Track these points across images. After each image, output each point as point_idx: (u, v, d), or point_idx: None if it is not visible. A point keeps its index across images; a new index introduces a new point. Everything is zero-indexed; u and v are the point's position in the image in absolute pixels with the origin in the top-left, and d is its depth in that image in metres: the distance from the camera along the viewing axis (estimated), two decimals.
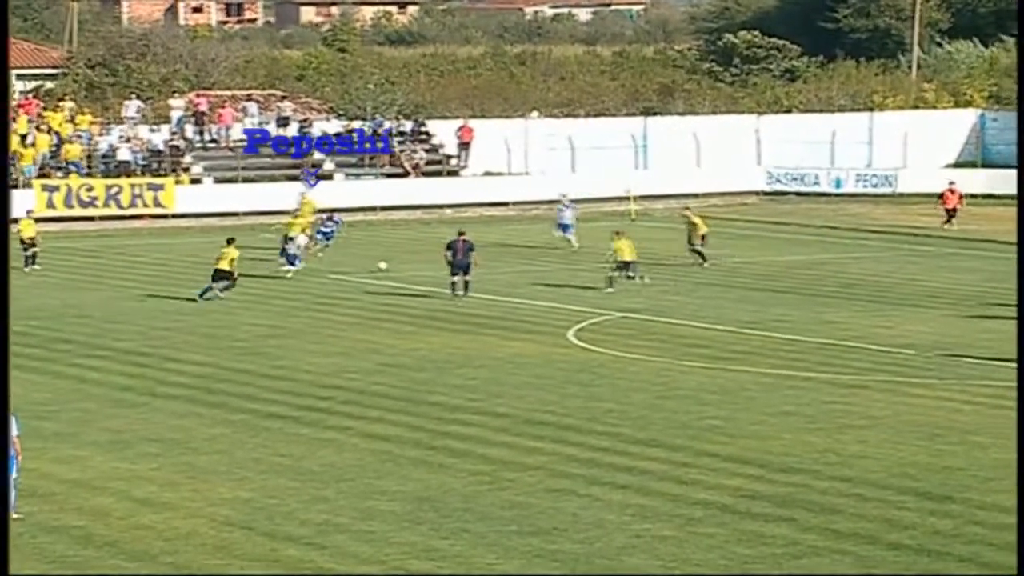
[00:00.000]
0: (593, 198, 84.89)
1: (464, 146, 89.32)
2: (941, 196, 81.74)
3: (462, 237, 57.08)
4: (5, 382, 13.16)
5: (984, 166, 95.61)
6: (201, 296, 54.59)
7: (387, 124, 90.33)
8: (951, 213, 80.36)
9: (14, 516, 30.27)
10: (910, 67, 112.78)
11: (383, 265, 59.84)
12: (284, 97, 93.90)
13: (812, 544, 29.81)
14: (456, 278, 56.42)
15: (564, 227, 70.82)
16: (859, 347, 49.13)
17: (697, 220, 66.11)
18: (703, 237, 65.66)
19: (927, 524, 31.30)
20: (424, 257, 63.71)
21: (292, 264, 60.23)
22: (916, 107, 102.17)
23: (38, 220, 76.60)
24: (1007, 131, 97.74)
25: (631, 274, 58.33)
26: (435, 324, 52.60)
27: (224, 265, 55.30)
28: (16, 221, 61.36)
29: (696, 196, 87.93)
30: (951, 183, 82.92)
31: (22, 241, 61.75)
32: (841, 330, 51.54)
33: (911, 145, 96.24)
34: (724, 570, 28.29)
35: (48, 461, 35.26)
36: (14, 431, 30.11)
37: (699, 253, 65.20)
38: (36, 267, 62.49)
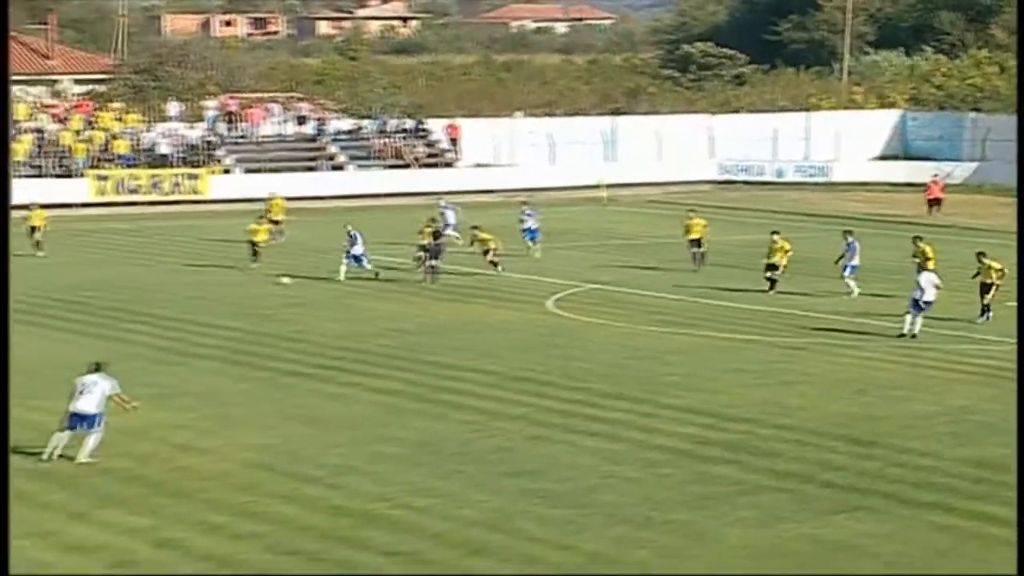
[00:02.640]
0: (569, 186, 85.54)
1: (453, 141, 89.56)
2: (926, 187, 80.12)
3: (437, 224, 57.34)
4: (5, 381, 12.48)
5: (905, 158, 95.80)
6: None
7: (392, 122, 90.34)
8: (933, 203, 78.63)
9: (85, 460, 30.36)
10: (842, 73, 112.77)
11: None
12: (303, 99, 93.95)
13: (756, 483, 29.91)
14: (431, 261, 55.21)
15: (531, 233, 62.02)
16: (798, 314, 49.20)
17: (694, 223, 59.35)
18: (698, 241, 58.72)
19: (855, 466, 31.39)
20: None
21: (361, 264, 55.72)
22: (847, 108, 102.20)
23: (89, 205, 76.99)
24: (924, 128, 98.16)
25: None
26: (433, 295, 52.63)
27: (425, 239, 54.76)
28: (28, 208, 61.06)
29: (658, 185, 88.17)
30: (935, 176, 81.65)
31: (32, 228, 60.77)
32: (782, 300, 51.61)
33: (842, 140, 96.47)
34: (682, 505, 28.37)
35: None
36: (115, 390, 30.97)
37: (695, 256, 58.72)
38: (41, 253, 60.33)
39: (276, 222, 62.72)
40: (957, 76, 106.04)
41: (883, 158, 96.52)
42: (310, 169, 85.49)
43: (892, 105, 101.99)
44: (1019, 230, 40.35)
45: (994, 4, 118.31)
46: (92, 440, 30.69)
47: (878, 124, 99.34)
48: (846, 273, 53.19)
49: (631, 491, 29.29)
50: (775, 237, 53.83)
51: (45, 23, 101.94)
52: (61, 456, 30.68)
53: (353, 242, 55.10)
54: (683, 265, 58.43)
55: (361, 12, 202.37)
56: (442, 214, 64.08)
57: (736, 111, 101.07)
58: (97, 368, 31.34)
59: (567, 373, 40.02)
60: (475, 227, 58.22)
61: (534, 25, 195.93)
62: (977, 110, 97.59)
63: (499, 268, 55.74)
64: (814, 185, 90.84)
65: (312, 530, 26.91)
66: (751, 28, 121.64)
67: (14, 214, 58.25)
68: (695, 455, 31.95)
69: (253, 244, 56.98)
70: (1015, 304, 45.39)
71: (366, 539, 26.43)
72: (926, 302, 45.44)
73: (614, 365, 41.33)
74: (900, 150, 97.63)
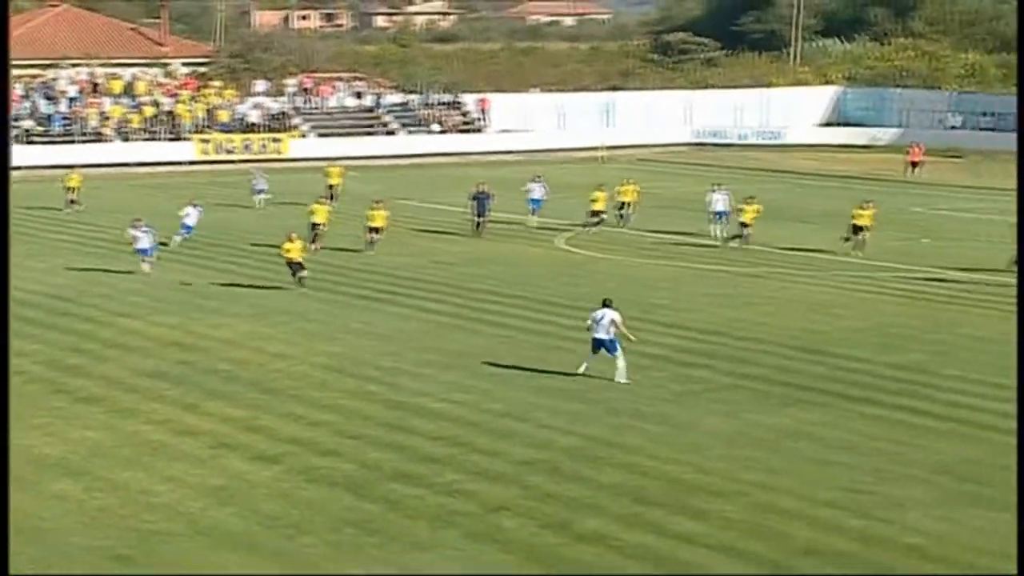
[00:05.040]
0: (575, 147, 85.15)
1: (482, 112, 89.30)
2: (908, 150, 77.52)
3: (482, 187, 52.74)
4: (5, 380, 12.04)
5: (842, 125, 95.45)
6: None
7: (434, 97, 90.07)
8: (915, 164, 75.94)
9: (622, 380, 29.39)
10: (792, 57, 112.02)
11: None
12: (363, 78, 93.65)
13: (725, 383, 29.90)
14: (479, 219, 52.11)
15: (535, 202, 55.06)
16: (761, 250, 49.05)
17: (747, 208, 50.52)
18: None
19: (804, 369, 31.38)
20: (462, 189, 63.42)
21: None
22: (796, 85, 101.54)
23: (195, 163, 76.82)
24: (858, 101, 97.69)
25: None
26: (470, 234, 52.39)
27: (377, 223, 47.59)
28: (71, 168, 60.33)
29: (646, 146, 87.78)
30: (915, 142, 78.96)
31: (68, 189, 57.86)
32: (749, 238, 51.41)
33: (793, 111, 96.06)
34: (666, 400, 28.36)
35: (206, 326, 35.36)
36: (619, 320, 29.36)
37: (737, 236, 50.25)
38: (78, 207, 57.38)
39: (331, 186, 60.36)
40: (884, 59, 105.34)
41: (825, 125, 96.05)
42: (369, 134, 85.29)
43: (832, 82, 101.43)
44: (1019, 228, 38.50)
45: (915, 0, 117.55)
46: (619, 363, 29.56)
47: (821, 98, 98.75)
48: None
49: (626, 389, 29.28)
50: (749, 201, 50.89)
51: (159, 17, 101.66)
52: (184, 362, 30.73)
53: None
54: (667, 212, 58.21)
55: (410, 8, 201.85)
56: (530, 189, 55.60)
57: (708, 88, 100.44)
58: (606, 304, 29.94)
59: (575, 297, 39.94)
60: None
61: (547, 19, 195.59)
62: (900, 86, 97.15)
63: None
64: (770, 147, 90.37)
65: (371, 419, 26.95)
66: (720, 21, 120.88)
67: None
68: (676, 361, 31.96)
69: (314, 225, 47.05)
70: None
71: (414, 426, 26.47)
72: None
73: (614, 291, 41.04)
74: (838, 118, 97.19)
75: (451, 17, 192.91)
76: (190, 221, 48.11)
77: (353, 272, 44.04)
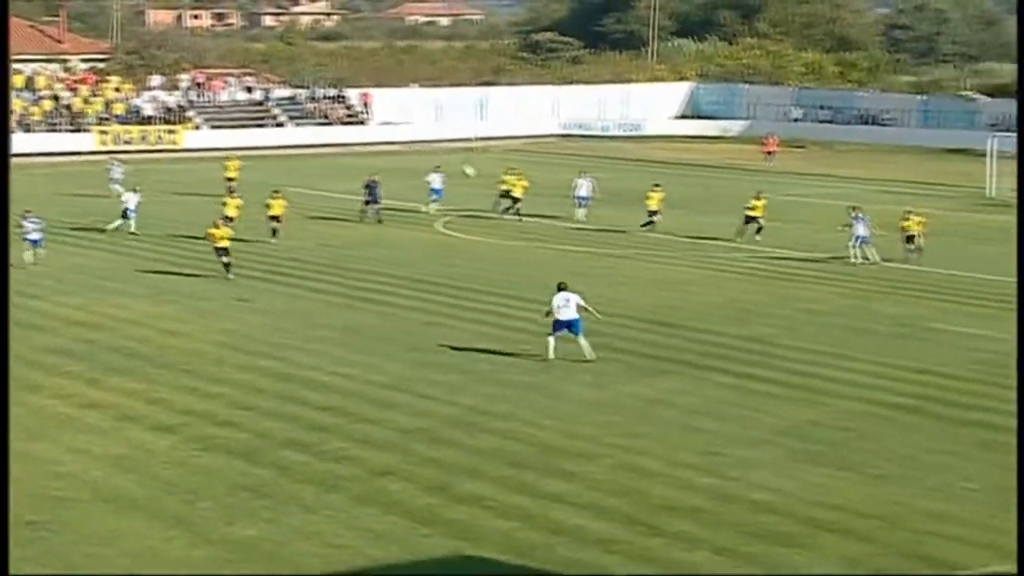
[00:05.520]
0: (451, 138, 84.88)
1: (365, 106, 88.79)
2: (764, 142, 78.54)
3: (374, 177, 52.02)
4: (5, 381, 11.84)
5: (695, 118, 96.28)
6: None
7: (319, 91, 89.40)
8: (770, 154, 76.85)
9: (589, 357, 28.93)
10: (649, 56, 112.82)
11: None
12: (253, 74, 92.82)
13: (596, 352, 30.10)
14: (372, 206, 50.98)
15: (436, 192, 53.90)
16: (622, 233, 49.44)
17: (653, 195, 49.30)
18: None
19: (664, 342, 31.70)
20: (347, 178, 63.15)
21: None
22: (653, 81, 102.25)
23: (95, 153, 75.54)
24: (710, 96, 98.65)
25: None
26: (356, 219, 52.10)
27: (276, 211, 45.92)
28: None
29: (517, 137, 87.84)
30: (771, 134, 79.99)
31: None
32: (608, 221, 51.74)
33: (650, 105, 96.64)
34: (537, 370, 28.48)
35: (108, 306, 34.91)
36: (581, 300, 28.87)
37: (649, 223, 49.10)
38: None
39: (231, 179, 59.42)
40: (733, 58, 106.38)
41: (680, 118, 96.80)
42: (259, 126, 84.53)
43: (686, 79, 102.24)
44: (1019, 229, 37.76)
45: (760, 4, 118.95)
46: (583, 341, 29.06)
47: (676, 93, 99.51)
48: (852, 243, 43.29)
49: (500, 360, 29.41)
50: (655, 188, 50.00)
51: (57, 16, 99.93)
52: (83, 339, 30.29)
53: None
54: (537, 199, 58.32)
55: (296, 8, 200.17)
56: (576, 186, 52.57)
57: (574, 83, 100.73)
58: (561, 288, 29.58)
59: (451, 276, 40.02)
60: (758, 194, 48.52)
61: (424, 19, 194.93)
62: (747, 82, 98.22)
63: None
64: (630, 138, 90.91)
65: (263, 391, 26.82)
66: (584, 22, 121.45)
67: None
68: (545, 335, 32.00)
69: (272, 219, 45.74)
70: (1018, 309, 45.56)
71: (303, 397, 26.38)
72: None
73: (487, 270, 41.36)
74: (692, 112, 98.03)
75: (335, 17, 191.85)
76: (131, 204, 47.64)
77: (246, 254, 43.62)
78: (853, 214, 43.80)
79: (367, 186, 51.72)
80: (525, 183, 53.72)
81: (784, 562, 18.36)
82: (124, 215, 47.33)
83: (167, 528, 19.32)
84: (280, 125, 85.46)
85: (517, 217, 51.59)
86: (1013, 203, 58.29)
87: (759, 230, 47.06)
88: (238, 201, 46.87)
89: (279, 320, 33.58)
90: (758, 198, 47.89)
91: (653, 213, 49.05)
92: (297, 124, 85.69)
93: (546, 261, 43.04)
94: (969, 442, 23.95)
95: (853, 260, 42.84)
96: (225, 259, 38.77)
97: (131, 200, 47.88)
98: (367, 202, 51.37)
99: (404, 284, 38.76)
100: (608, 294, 37.47)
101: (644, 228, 48.82)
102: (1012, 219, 54.19)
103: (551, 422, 24.86)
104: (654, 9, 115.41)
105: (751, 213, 47.51)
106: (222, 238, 38.82)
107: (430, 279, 39.51)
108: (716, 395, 27.00)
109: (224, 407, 25.56)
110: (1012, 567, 17.99)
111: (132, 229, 46.85)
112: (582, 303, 29.37)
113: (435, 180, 54.52)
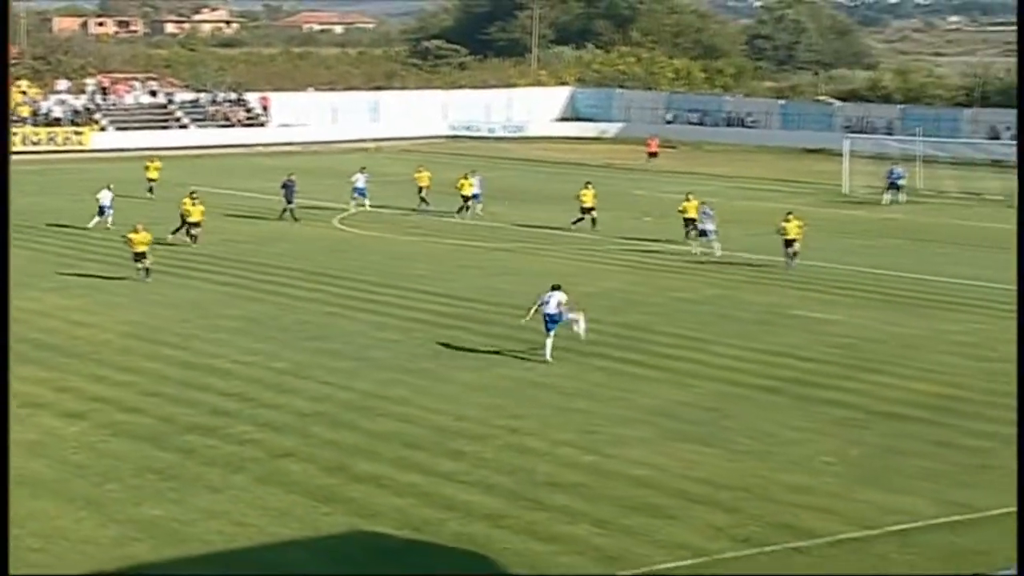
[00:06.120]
0: (346, 140, 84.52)
1: (264, 108, 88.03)
2: (647, 143, 77.67)
3: (291, 176, 51.07)
4: (5, 376, 11.66)
5: (575, 120, 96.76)
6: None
7: (220, 95, 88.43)
8: (653, 155, 76.14)
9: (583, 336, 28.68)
10: (532, 62, 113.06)
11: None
12: (156, 78, 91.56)
13: (478, 343, 30.10)
14: (289, 206, 49.89)
15: (360, 191, 53.23)
16: (506, 228, 49.54)
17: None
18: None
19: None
20: (248, 177, 62.56)
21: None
22: (536, 85, 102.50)
23: None
24: (588, 99, 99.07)
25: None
26: (260, 216, 51.68)
27: (195, 217, 43.86)
28: None
29: (407, 139, 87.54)
30: (653, 136, 79.54)
31: None
32: (497, 217, 51.76)
33: (533, 108, 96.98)
34: (427, 357, 28.50)
35: (20, 299, 34.16)
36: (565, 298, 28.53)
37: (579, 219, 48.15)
38: None
39: (152, 180, 58.22)
40: (609, 64, 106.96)
41: (561, 120, 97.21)
42: (164, 128, 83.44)
43: (566, 84, 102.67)
44: (1019, 229, 36.79)
45: (632, 14, 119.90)
46: (550, 341, 28.37)
47: (557, 97, 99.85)
48: (705, 239, 42.86)
49: (393, 349, 29.39)
50: (587, 187, 48.65)
51: None
52: None
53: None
54: (428, 196, 58.27)
55: (197, 16, 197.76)
56: (702, 218, 44.28)
57: (461, 88, 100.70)
58: (555, 288, 28.93)
59: (347, 269, 39.89)
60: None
61: (319, 27, 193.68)
62: (623, 87, 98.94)
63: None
64: (514, 139, 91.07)
65: (168, 379, 26.56)
66: (470, 30, 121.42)
67: None
68: (435, 323, 32.14)
69: (192, 224, 43.64)
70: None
71: (207, 384, 26.17)
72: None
73: (381, 264, 41.24)
74: (571, 114, 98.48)
75: (234, 25, 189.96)
76: (105, 201, 47.04)
77: (157, 250, 43.07)
78: (702, 208, 43.92)
79: (284, 185, 51.22)
80: (429, 174, 54.68)
81: (659, 532, 18.57)
82: (100, 212, 46.90)
83: (77, 509, 19.08)
84: (183, 127, 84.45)
85: (470, 212, 50.83)
86: (867, 199, 59.71)
87: (702, 233, 43.35)
88: (202, 208, 44.25)
89: (184, 312, 33.23)
90: (688, 199, 45.44)
91: (587, 210, 47.94)
92: (199, 126, 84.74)
93: (438, 254, 43.02)
94: (825, 420, 24.41)
95: (694, 252, 43.16)
96: (143, 263, 37.02)
97: (105, 197, 47.41)
98: (288, 201, 50.31)
99: (301, 276, 38.54)
100: (492, 285, 37.59)
101: (575, 225, 47.77)
102: (866, 214, 55.54)
103: (441, 405, 24.90)
104: (535, 19, 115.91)
105: (687, 216, 44.55)
106: (140, 243, 37.09)
107: (326, 271, 39.32)
108: (595, 378, 27.20)
109: (131, 394, 25.27)
110: (866, 534, 18.52)
111: (108, 225, 46.00)
112: (563, 301, 28.71)
113: (359, 180, 53.89)
